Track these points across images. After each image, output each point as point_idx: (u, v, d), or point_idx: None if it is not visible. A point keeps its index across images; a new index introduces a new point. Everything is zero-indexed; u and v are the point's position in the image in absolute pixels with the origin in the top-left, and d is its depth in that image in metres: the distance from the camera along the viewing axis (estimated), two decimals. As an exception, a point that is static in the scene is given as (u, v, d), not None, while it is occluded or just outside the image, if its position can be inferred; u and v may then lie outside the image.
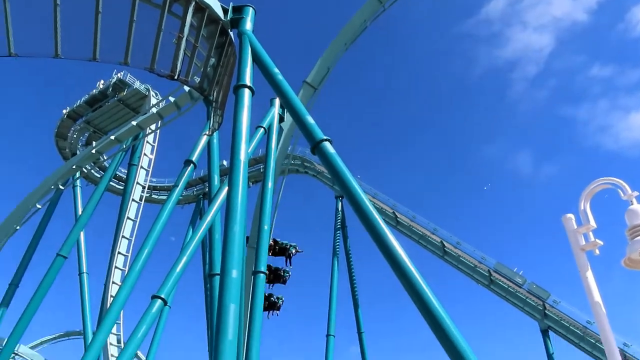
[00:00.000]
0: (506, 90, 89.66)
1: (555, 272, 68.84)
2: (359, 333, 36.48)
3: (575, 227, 8.21)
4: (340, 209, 36.27)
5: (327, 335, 31.91)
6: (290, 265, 24.72)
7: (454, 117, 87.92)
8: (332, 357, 31.53)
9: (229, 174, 11.92)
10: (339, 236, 35.33)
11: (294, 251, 24.89)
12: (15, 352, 30.92)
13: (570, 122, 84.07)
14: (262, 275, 19.27)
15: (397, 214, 32.97)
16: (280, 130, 22.92)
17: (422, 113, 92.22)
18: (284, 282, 24.48)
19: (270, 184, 19.34)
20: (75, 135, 36.50)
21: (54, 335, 45.16)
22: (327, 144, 11.57)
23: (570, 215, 8.37)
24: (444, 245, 30.75)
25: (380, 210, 33.20)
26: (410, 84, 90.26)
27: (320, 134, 11.72)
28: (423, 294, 10.97)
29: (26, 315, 26.22)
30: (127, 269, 25.85)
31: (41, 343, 43.22)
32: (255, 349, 16.71)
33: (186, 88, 21.54)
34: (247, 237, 19.62)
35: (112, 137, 24.09)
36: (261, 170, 28.07)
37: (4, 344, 26.93)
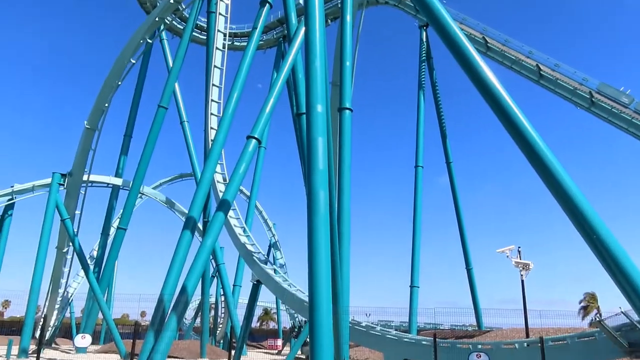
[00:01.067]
0: None
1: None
2: (448, 163, 37.08)
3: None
4: (424, 39, 34.41)
5: (416, 167, 32.80)
6: None
7: None
8: (421, 187, 32.72)
9: (304, 10, 11.54)
10: (424, 68, 34.11)
11: None
12: (141, 192, 35.50)
13: None
14: (347, 111, 19.58)
15: (487, 39, 30.62)
16: (356, -45, 21.15)
17: None
18: None
19: (348, 18, 18.57)
20: (153, -14, 36.37)
21: (169, 178, 50.80)
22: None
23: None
24: (539, 68, 28.61)
25: (469, 37, 30.99)
26: None
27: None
28: (517, 122, 10.70)
29: (143, 161, 29.51)
30: (221, 114, 27.36)
31: (160, 184, 49.00)
32: (346, 178, 17.75)
33: None
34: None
35: (187, -16, 23.74)
36: (339, 5, 26.70)
37: (130, 186, 30.96)
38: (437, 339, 10.52)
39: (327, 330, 8.80)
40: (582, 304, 48.72)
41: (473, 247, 37.15)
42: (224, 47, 30.01)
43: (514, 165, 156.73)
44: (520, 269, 22.10)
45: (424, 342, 20.64)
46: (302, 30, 19.14)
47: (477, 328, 33.64)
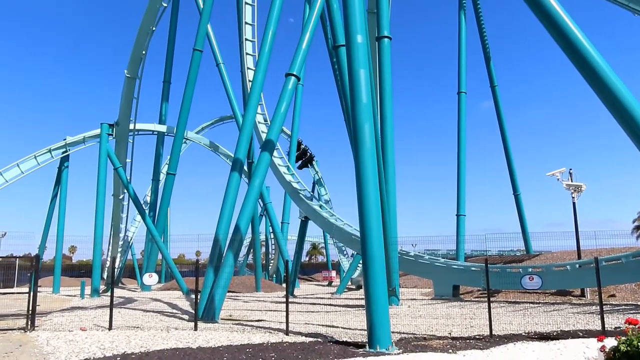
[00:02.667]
0: None
1: None
2: (492, 87, 35.73)
3: None
4: (464, -46, 32.22)
5: (459, 93, 31.78)
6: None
7: None
8: (465, 114, 31.85)
9: None
10: (465, -14, 32.17)
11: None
12: (185, 137, 36.22)
13: None
14: (386, 40, 18.93)
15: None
16: None
17: None
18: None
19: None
20: None
21: (211, 121, 51.41)
22: None
23: None
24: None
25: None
26: None
27: None
28: (567, 31, 10.08)
29: (184, 106, 29.83)
30: (256, 53, 27.02)
31: (202, 129, 49.74)
32: (389, 110, 17.44)
33: None
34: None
35: None
36: None
37: (175, 132, 31.59)
38: (488, 265, 10.66)
39: (379, 261, 9.01)
40: (636, 223, 47.47)
41: (520, 173, 36.44)
42: (254, -17, 29.18)
43: (561, 88, 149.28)
44: (572, 191, 21.58)
45: (472, 269, 20.91)
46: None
47: (526, 253, 33.61)
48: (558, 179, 21.83)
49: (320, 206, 26.00)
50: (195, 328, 11.47)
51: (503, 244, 31.45)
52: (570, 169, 22.10)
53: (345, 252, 43.44)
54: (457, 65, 31.89)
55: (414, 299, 21.36)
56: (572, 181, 21.66)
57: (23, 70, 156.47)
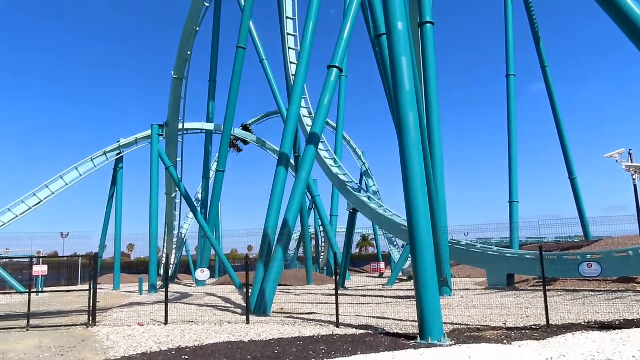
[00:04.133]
0: None
1: None
2: (543, 68, 34.36)
3: None
4: None
5: (507, 76, 30.73)
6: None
7: None
8: (514, 97, 30.76)
9: None
10: (510, -36, 30.95)
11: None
12: (232, 134, 36.90)
13: None
14: (428, 25, 18.53)
15: None
16: None
17: None
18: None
19: None
20: None
21: (257, 117, 52.19)
22: None
23: None
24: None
25: None
26: None
27: None
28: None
29: (230, 104, 30.32)
30: (299, 47, 27.08)
31: (249, 124, 50.52)
32: (434, 96, 17.07)
33: None
34: None
35: None
36: None
37: (222, 129, 32.21)
38: (542, 252, 10.23)
39: (428, 251, 8.85)
40: None
41: (576, 156, 34.83)
42: (293, -22, 29.23)
43: (617, 62, 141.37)
44: (632, 172, 20.46)
45: (527, 257, 20.21)
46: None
47: (584, 239, 32.19)
48: (617, 161, 20.75)
49: (369, 197, 25.86)
50: (248, 321, 11.68)
51: (560, 231, 30.23)
52: (630, 150, 20.97)
53: (395, 243, 43.11)
54: (504, 47, 30.84)
55: (467, 289, 20.91)
56: (632, 162, 20.53)
57: (76, 76, 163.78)
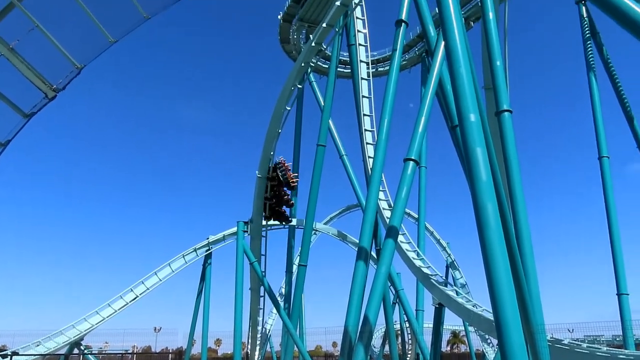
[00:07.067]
0: None
1: None
2: (640, 147, 32.08)
3: None
4: (584, 14, 30.79)
5: (600, 158, 28.98)
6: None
7: None
8: (610, 179, 28.74)
9: (438, 17, 11.15)
10: (590, 46, 30.39)
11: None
12: (314, 229, 37.35)
13: None
14: (506, 114, 18.26)
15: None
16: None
17: None
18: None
19: (491, 15, 17.47)
20: (295, 36, 39.02)
21: (338, 211, 52.79)
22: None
23: None
24: None
25: None
26: None
27: None
28: None
29: (312, 199, 31.04)
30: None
31: (330, 219, 51.15)
32: (517, 185, 16.39)
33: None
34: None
35: (324, 25, 24.79)
36: (479, 4, 25.43)
37: (304, 224, 32.77)
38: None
39: (518, 351, 7.98)
40: None
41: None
42: (368, 76, 30.64)
43: None
44: None
45: (647, 359, 17.61)
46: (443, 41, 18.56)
47: None
48: None
49: (456, 292, 24.46)
50: None
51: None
52: None
53: (489, 341, 39.79)
54: (594, 128, 29.46)
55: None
56: None
57: (168, 180, 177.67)
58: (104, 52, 13.16)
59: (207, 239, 36.53)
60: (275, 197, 32.35)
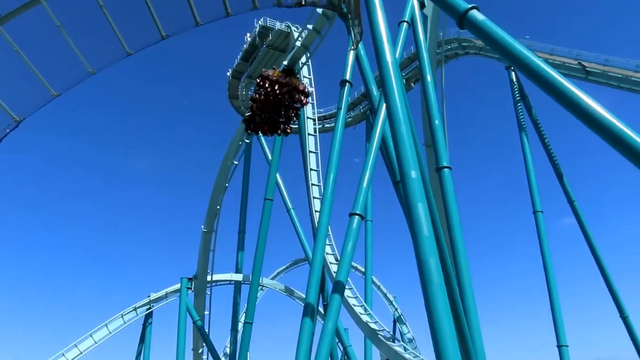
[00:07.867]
0: None
1: None
2: (570, 203, 34.00)
3: None
4: (514, 79, 33.20)
5: (535, 213, 30.43)
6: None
7: None
8: (545, 234, 30.10)
9: (379, 78, 11.67)
10: (520, 109, 32.60)
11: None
12: (261, 284, 36.52)
13: None
14: (446, 170, 18.97)
15: (583, 63, 28.81)
16: (425, 17, 21.46)
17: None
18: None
19: (429, 78, 18.50)
20: (243, 92, 39.50)
21: (285, 266, 51.98)
22: (475, 12, 10.35)
23: None
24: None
25: (562, 67, 29.41)
26: None
27: (463, 4, 10.54)
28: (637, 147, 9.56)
29: (258, 254, 30.52)
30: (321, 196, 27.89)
31: (277, 274, 50.24)
32: (459, 240, 16.80)
33: (319, 10, 21.33)
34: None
35: (272, 82, 25.37)
36: (418, 67, 26.94)
37: (250, 280, 32.00)
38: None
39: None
40: None
41: (624, 292, 32.59)
42: (315, 132, 31.25)
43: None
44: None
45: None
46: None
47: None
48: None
49: (404, 347, 24.28)
50: None
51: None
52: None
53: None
54: (527, 185, 31.08)
55: None
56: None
57: (109, 234, 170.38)
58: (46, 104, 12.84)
59: (149, 296, 34.83)
60: (282, 103, 19.50)
